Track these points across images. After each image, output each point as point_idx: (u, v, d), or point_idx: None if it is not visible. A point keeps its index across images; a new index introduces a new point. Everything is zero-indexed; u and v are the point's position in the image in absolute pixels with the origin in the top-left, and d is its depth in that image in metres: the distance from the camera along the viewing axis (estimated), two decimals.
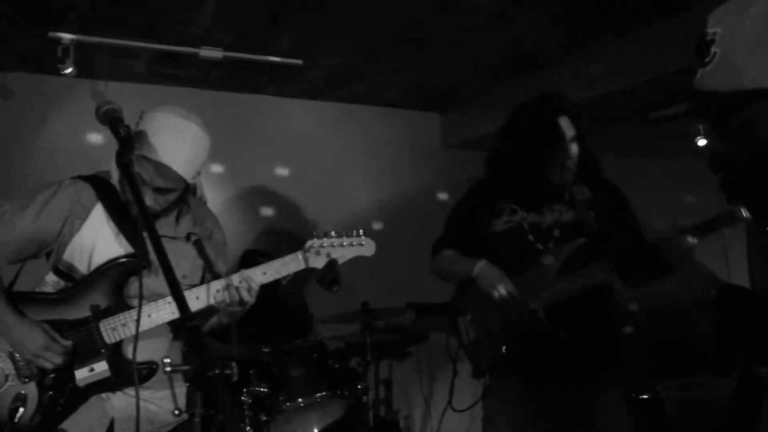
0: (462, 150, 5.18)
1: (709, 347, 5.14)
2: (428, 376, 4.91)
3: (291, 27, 3.38)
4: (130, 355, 2.00)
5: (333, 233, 2.08)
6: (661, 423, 4.11)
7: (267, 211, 4.59)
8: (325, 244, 2.06)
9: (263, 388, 3.40)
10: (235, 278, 2.00)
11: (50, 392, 1.96)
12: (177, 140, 1.98)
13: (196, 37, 3.39)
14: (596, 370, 2.39)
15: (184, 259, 2.15)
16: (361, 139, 4.93)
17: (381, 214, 4.89)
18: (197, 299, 1.99)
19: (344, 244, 2.08)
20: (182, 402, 2.17)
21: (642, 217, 2.52)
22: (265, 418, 3.35)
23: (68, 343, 1.95)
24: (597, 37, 3.67)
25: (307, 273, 2.09)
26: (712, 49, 1.18)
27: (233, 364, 1.47)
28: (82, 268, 2.03)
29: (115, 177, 2.09)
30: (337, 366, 3.69)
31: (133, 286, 2.05)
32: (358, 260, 2.14)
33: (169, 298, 1.98)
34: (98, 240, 2.04)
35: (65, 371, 1.96)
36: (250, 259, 3.80)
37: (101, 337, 1.98)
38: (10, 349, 1.93)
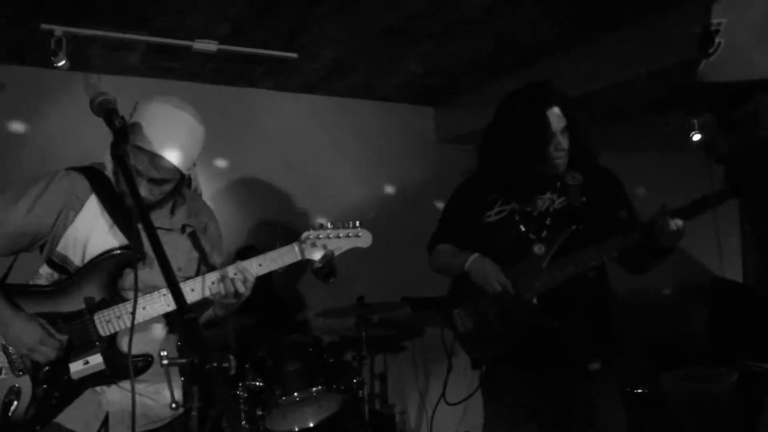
0: (456, 144, 5.18)
1: (702, 340, 5.17)
2: (423, 370, 4.92)
3: (285, 20, 3.36)
4: (124, 348, 1.99)
5: (329, 225, 2.07)
6: (661, 416, 4.12)
7: (261, 204, 4.57)
8: (321, 236, 2.05)
9: (259, 382, 3.40)
10: (231, 270, 1.99)
11: (44, 385, 1.95)
12: (171, 130, 1.97)
13: (190, 30, 3.37)
14: (591, 361, 2.39)
15: (179, 252, 2.13)
16: (356, 132, 4.93)
17: (375, 208, 4.88)
18: (192, 291, 1.98)
19: (340, 235, 2.07)
20: (179, 396, 2.16)
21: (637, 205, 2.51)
22: (260, 413, 3.35)
23: (64, 337, 1.94)
24: (592, 30, 3.66)
25: (302, 265, 2.08)
26: (717, 40, 1.17)
27: (231, 357, 1.46)
28: (76, 260, 2.01)
29: (109, 168, 2.08)
30: (332, 360, 3.69)
31: (127, 279, 2.03)
32: (352, 254, 2.13)
33: (164, 290, 1.97)
34: (92, 232, 2.02)
35: (60, 364, 1.95)
36: (245, 254, 3.80)
37: (96, 330, 1.97)
38: (3, 342, 1.92)
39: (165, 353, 1.76)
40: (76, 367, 1.96)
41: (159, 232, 1.62)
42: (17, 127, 3.88)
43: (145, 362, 2.03)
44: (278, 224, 4.55)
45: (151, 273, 2.03)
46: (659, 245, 2.26)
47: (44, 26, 3.03)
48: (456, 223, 2.66)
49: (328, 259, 2.02)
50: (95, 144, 2.18)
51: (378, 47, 3.83)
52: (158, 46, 3.54)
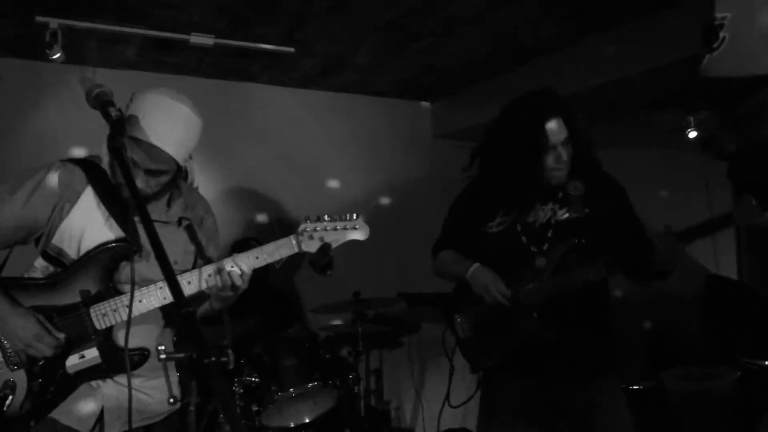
0: (453, 140, 5.18)
1: (698, 338, 5.18)
2: (419, 366, 4.92)
3: (282, 15, 3.35)
4: (121, 342, 1.97)
5: (326, 217, 2.05)
6: (662, 414, 4.13)
7: (257, 198, 4.56)
8: (318, 228, 2.04)
9: (254, 377, 3.40)
10: (227, 263, 1.98)
11: (40, 380, 1.94)
12: (168, 121, 1.95)
13: (187, 24, 3.35)
14: (591, 368, 2.38)
15: (175, 244, 2.12)
16: (352, 128, 4.92)
17: (372, 204, 4.88)
18: (189, 284, 1.97)
19: (338, 227, 2.05)
20: (177, 391, 2.15)
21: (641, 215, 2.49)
22: (256, 408, 3.34)
23: (61, 335, 1.93)
24: (590, 28, 3.66)
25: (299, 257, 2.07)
26: (721, 34, 1.16)
27: (229, 351, 1.45)
28: (72, 252, 1.99)
29: (105, 161, 2.06)
30: (328, 356, 3.69)
31: (123, 272, 2.02)
32: (348, 250, 2.12)
33: (161, 284, 1.96)
34: (88, 224, 2.00)
35: (55, 358, 1.93)
36: (242, 247, 3.79)
37: (91, 323, 1.95)
38: None
39: (163, 347, 1.75)
40: (72, 361, 1.95)
41: (155, 224, 1.61)
42: (13, 120, 3.85)
43: (141, 356, 2.01)
44: (274, 218, 4.54)
45: (147, 266, 2.02)
46: (659, 267, 2.25)
47: (39, 19, 3.01)
48: (458, 231, 2.66)
49: (326, 251, 2.00)
50: (91, 137, 2.17)
51: (375, 43, 3.82)
52: (155, 40, 3.53)
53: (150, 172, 1.97)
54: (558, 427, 2.41)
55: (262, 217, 4.54)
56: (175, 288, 1.47)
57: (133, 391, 1.87)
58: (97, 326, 1.95)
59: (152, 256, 1.94)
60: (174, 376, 2.17)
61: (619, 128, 5.13)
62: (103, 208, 2.03)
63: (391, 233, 4.68)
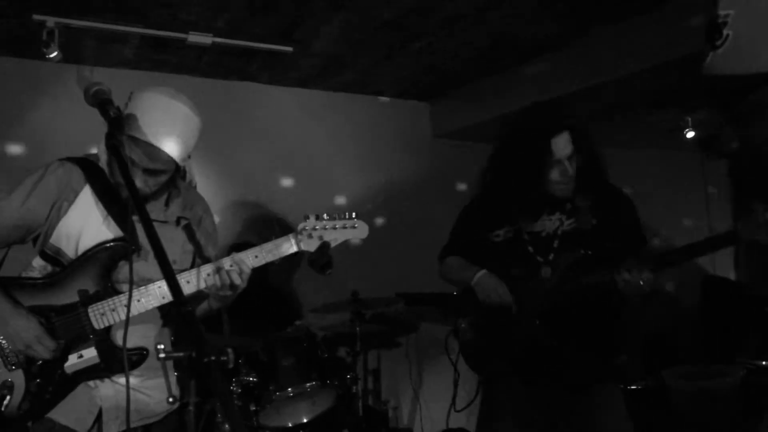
0: (452, 140, 5.18)
1: (696, 338, 5.19)
2: (417, 366, 4.91)
3: (281, 14, 3.34)
4: (119, 341, 1.96)
5: (325, 216, 2.05)
6: (663, 413, 4.13)
7: (256, 198, 4.55)
8: (317, 227, 2.03)
9: (252, 377, 3.39)
10: (226, 261, 1.97)
11: (38, 380, 1.93)
12: (167, 120, 1.94)
13: (185, 23, 3.34)
14: (591, 377, 2.39)
15: (173, 244, 2.11)
16: (351, 128, 4.91)
17: (371, 204, 4.87)
18: (188, 283, 1.96)
19: (337, 226, 2.05)
20: (175, 390, 2.14)
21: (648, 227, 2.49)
22: (254, 408, 3.33)
23: (62, 340, 1.92)
24: (588, 26, 3.66)
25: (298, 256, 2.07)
26: (725, 32, 1.15)
27: (229, 350, 1.44)
28: (70, 252, 1.99)
29: (103, 159, 2.05)
30: (326, 355, 3.68)
31: (122, 271, 2.01)
32: (347, 250, 2.11)
33: (159, 283, 1.95)
34: (86, 223, 2.00)
35: (54, 359, 1.93)
36: (239, 250, 3.79)
37: (90, 323, 1.94)
38: None
39: (162, 346, 1.74)
40: (70, 361, 1.94)
41: (154, 224, 1.60)
42: (10, 119, 3.84)
43: (139, 356, 2.01)
44: (272, 217, 4.53)
45: (146, 265, 2.01)
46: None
47: (36, 17, 3.00)
48: (465, 238, 2.68)
49: (325, 250, 2.00)
50: (89, 136, 2.16)
51: (374, 42, 3.81)
52: (153, 39, 3.51)
53: (149, 172, 1.97)
54: (558, 430, 2.42)
55: (259, 217, 4.53)
56: (174, 287, 1.46)
57: (132, 391, 1.87)
58: (96, 326, 1.95)
59: (151, 255, 1.94)
60: (173, 376, 2.16)
61: (617, 128, 5.14)
62: (101, 207, 2.02)
63: (389, 233, 4.69)
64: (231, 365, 1.45)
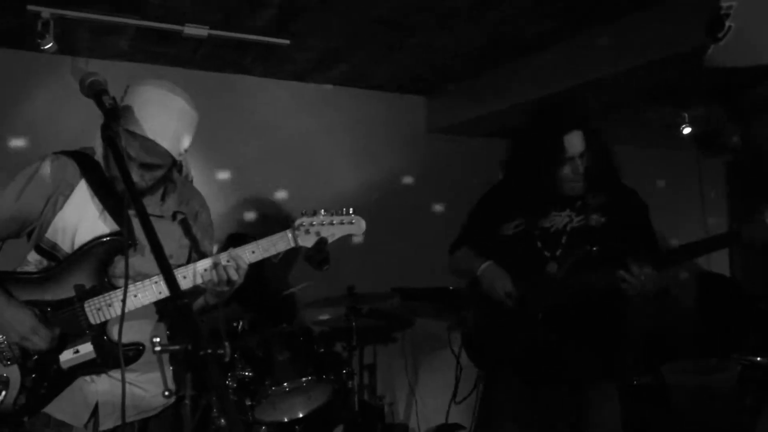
0: (447, 134, 5.17)
1: (693, 335, 5.20)
2: (413, 361, 4.91)
3: (277, 7, 3.32)
4: (115, 336, 1.95)
5: (322, 212, 2.05)
6: (662, 409, 4.14)
7: (251, 192, 4.53)
8: (314, 223, 2.03)
9: (248, 372, 3.38)
10: (223, 257, 1.96)
11: (33, 375, 1.92)
12: (163, 114, 1.92)
13: (180, 14, 3.31)
14: (589, 374, 2.41)
15: (170, 239, 2.09)
16: (346, 121, 4.89)
17: (366, 198, 4.85)
18: (185, 279, 1.95)
19: (334, 222, 2.04)
20: (171, 384, 2.13)
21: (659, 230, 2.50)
22: (249, 403, 3.32)
23: (57, 330, 1.91)
24: (585, 22, 3.65)
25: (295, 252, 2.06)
26: (727, 24, 1.14)
27: (226, 344, 1.43)
28: (65, 246, 1.97)
29: (99, 152, 2.04)
30: (322, 350, 3.67)
31: (118, 266, 2.00)
32: (343, 244, 2.11)
33: (156, 278, 1.94)
34: (82, 218, 1.98)
35: (49, 353, 1.92)
36: (237, 242, 3.78)
37: (86, 318, 1.93)
38: None
39: (158, 339, 1.73)
40: (66, 356, 1.93)
41: (150, 219, 1.59)
42: (4, 110, 3.81)
43: (136, 351, 2.00)
44: (269, 212, 4.52)
45: (142, 260, 2.00)
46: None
47: (31, 8, 2.96)
48: (476, 231, 2.70)
49: (322, 246, 1.99)
50: (84, 129, 2.14)
51: (370, 36, 3.80)
52: (148, 31, 3.49)
53: (145, 166, 1.95)
54: (556, 429, 2.43)
55: (256, 212, 4.52)
56: (170, 280, 1.45)
57: (128, 386, 1.86)
58: (92, 321, 1.94)
59: (147, 250, 1.93)
60: (169, 370, 2.15)
61: (614, 124, 5.13)
62: (97, 201, 2.00)
63: (385, 227, 4.67)
64: (227, 358, 1.45)
